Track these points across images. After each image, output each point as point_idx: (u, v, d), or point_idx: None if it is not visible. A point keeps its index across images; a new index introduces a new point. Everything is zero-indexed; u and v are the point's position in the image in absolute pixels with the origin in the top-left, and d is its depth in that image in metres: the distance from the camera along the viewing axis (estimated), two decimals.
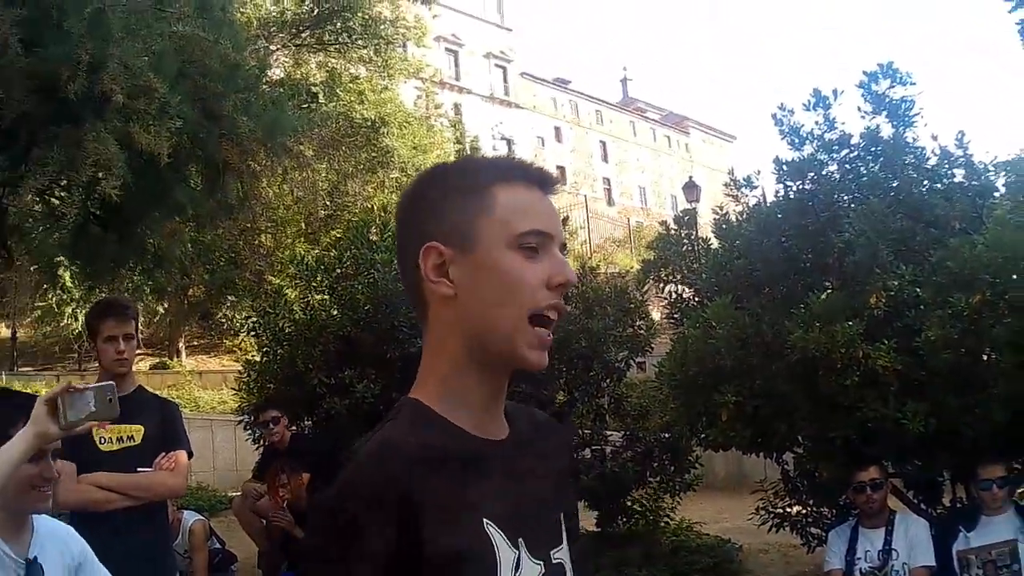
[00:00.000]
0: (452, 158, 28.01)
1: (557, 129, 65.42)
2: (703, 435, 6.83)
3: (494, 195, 1.61)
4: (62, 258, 12.34)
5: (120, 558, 4.05)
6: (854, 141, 6.84)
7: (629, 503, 9.46)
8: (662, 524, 9.58)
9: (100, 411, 2.95)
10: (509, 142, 59.88)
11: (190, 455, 5.04)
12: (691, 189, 29.65)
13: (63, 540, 3.07)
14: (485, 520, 1.54)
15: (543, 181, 1.68)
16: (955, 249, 5.82)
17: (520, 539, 1.58)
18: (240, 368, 10.99)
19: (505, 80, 62.72)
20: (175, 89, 7.40)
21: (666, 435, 8.75)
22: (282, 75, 23.67)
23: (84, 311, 24.74)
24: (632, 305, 9.22)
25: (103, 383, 3.13)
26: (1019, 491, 6.67)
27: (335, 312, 8.94)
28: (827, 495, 6.97)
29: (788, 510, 7.43)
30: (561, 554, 1.69)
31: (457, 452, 1.57)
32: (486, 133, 56.22)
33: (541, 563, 1.61)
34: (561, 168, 63.65)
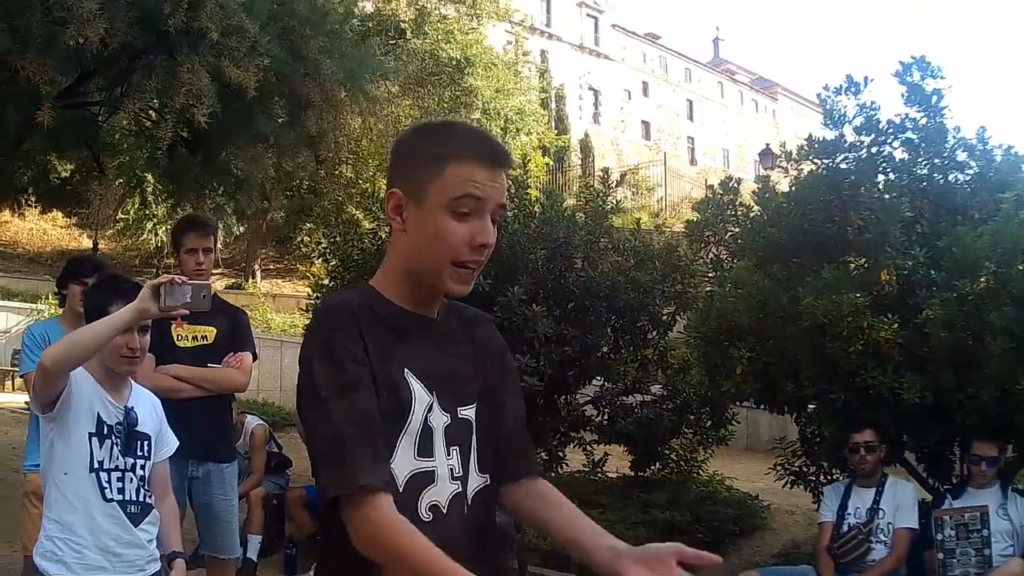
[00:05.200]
0: (535, 104, 28.03)
1: (645, 84, 65.12)
2: (722, 387, 7.31)
3: (447, 165, 2.11)
4: (148, 175, 13.12)
5: (188, 440, 4.77)
6: (883, 127, 7.20)
7: (666, 451, 9.85)
8: (694, 475, 10.03)
9: (194, 303, 3.52)
10: (596, 93, 59.87)
11: (255, 357, 5.78)
12: (767, 156, 29.74)
13: (154, 403, 4.01)
14: (405, 369, 2.14)
15: (495, 159, 2.16)
16: (959, 236, 6.25)
17: (433, 391, 2.16)
18: (309, 292, 11.67)
19: (596, 30, 62.49)
20: (265, 30, 8.08)
21: (713, 393, 9.03)
22: (372, 10, 24.10)
23: (164, 227, 25.53)
24: (682, 263, 9.45)
25: (201, 281, 3.78)
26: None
27: None
28: (839, 456, 7.39)
29: (804, 468, 7.72)
30: (468, 412, 2.24)
31: (390, 317, 2.18)
32: (573, 82, 56.20)
33: (448, 414, 2.19)
34: (646, 123, 63.59)
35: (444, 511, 2.14)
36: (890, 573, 6.23)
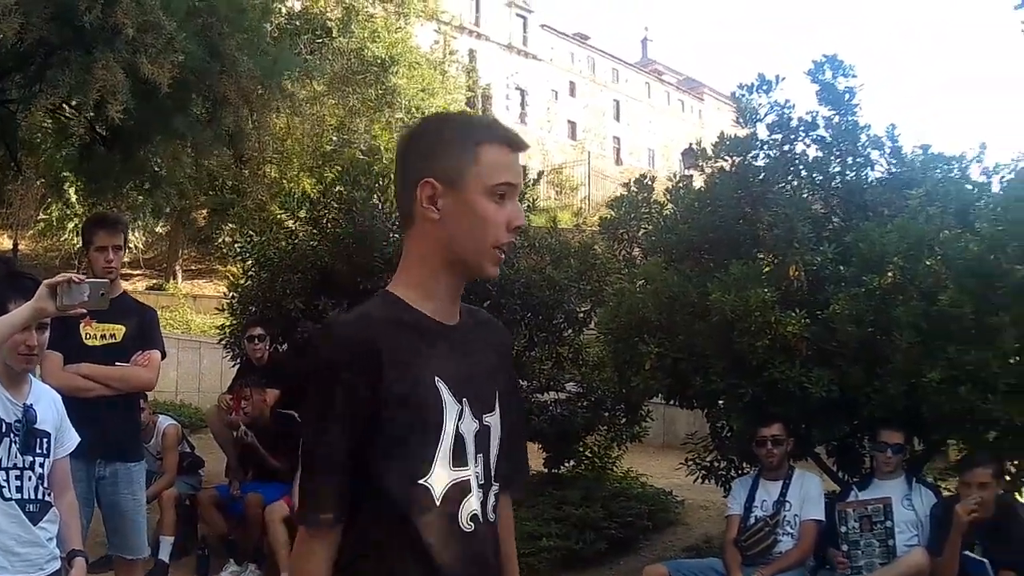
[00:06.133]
0: (461, 103, 28.04)
1: (572, 84, 65.18)
2: (632, 383, 7.37)
3: (480, 151, 2.17)
4: (68, 174, 13.05)
5: (96, 440, 4.75)
6: (794, 124, 7.30)
7: (580, 448, 9.84)
8: (608, 471, 10.06)
9: (92, 301, 3.56)
10: (523, 92, 59.91)
11: (163, 355, 5.77)
12: (689, 155, 29.91)
13: (54, 399, 4.00)
14: (436, 377, 2.16)
15: (517, 144, 2.25)
16: (867, 232, 6.35)
17: (464, 398, 2.19)
18: (225, 291, 11.55)
19: (524, 30, 62.50)
20: (183, 26, 8.07)
21: (624, 389, 9.02)
22: (300, 8, 23.98)
23: None
24: (598, 261, 9.46)
25: (99, 280, 3.79)
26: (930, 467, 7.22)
27: (315, 243, 9.37)
28: (748, 450, 7.44)
29: (715, 463, 7.73)
30: (490, 419, 2.28)
31: (415, 326, 2.18)
32: (501, 82, 56.16)
33: (477, 421, 2.22)
34: (572, 123, 63.67)
35: (481, 520, 2.21)
36: (796, 564, 6.32)
